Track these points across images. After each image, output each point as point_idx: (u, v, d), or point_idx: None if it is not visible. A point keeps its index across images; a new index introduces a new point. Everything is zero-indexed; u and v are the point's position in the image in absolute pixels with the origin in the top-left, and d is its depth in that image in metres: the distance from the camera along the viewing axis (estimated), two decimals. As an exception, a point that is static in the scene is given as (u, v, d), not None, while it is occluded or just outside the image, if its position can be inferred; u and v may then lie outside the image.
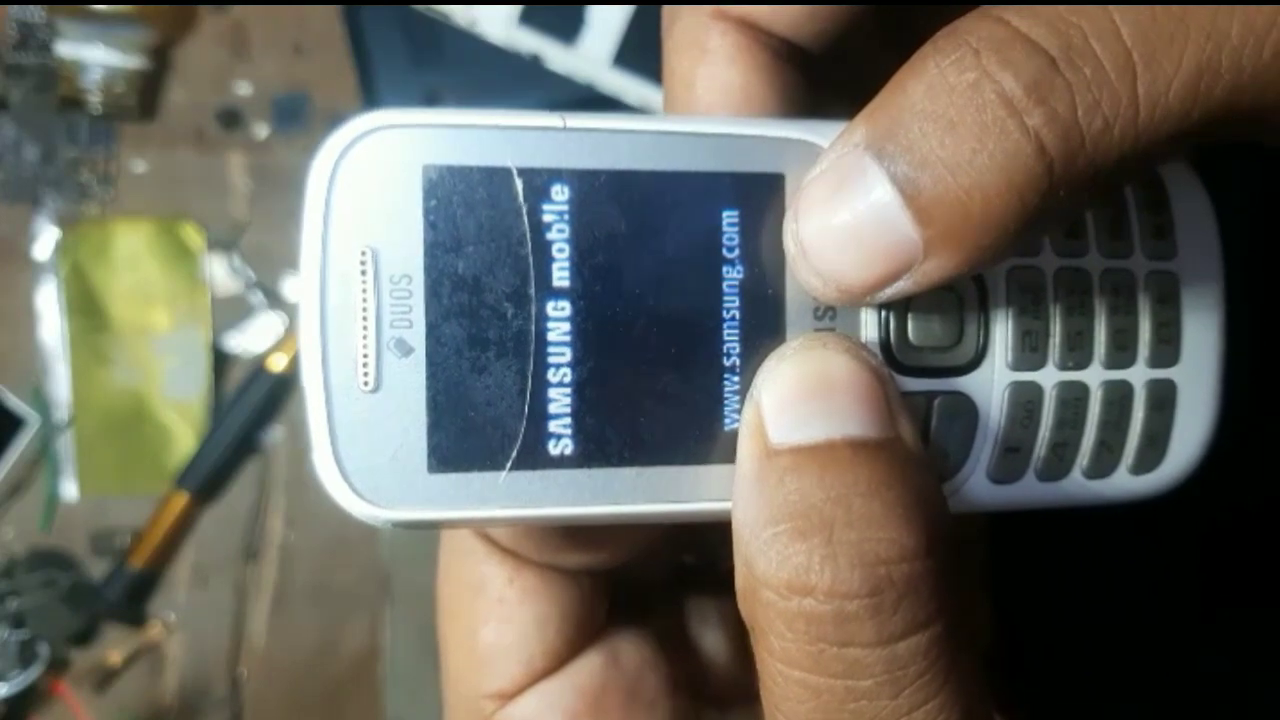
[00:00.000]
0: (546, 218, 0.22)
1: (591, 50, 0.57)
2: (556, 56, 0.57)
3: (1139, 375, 0.25)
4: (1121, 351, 0.25)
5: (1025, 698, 0.28)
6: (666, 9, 0.27)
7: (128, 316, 0.60)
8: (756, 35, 0.25)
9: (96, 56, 0.58)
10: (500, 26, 0.57)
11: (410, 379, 0.22)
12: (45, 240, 0.60)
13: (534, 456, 0.22)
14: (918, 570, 0.19)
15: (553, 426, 0.22)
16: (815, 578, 0.19)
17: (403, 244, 0.22)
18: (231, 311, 0.61)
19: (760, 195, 0.23)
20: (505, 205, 0.22)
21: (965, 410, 0.24)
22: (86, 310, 0.59)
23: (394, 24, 0.57)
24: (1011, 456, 0.24)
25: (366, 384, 0.22)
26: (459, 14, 0.57)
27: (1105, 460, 0.25)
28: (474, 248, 0.22)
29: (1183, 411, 0.26)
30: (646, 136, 0.22)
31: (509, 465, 0.22)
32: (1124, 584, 0.48)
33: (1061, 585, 0.48)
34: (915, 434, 0.22)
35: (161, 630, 0.60)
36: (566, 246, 0.22)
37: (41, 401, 0.59)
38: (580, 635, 0.28)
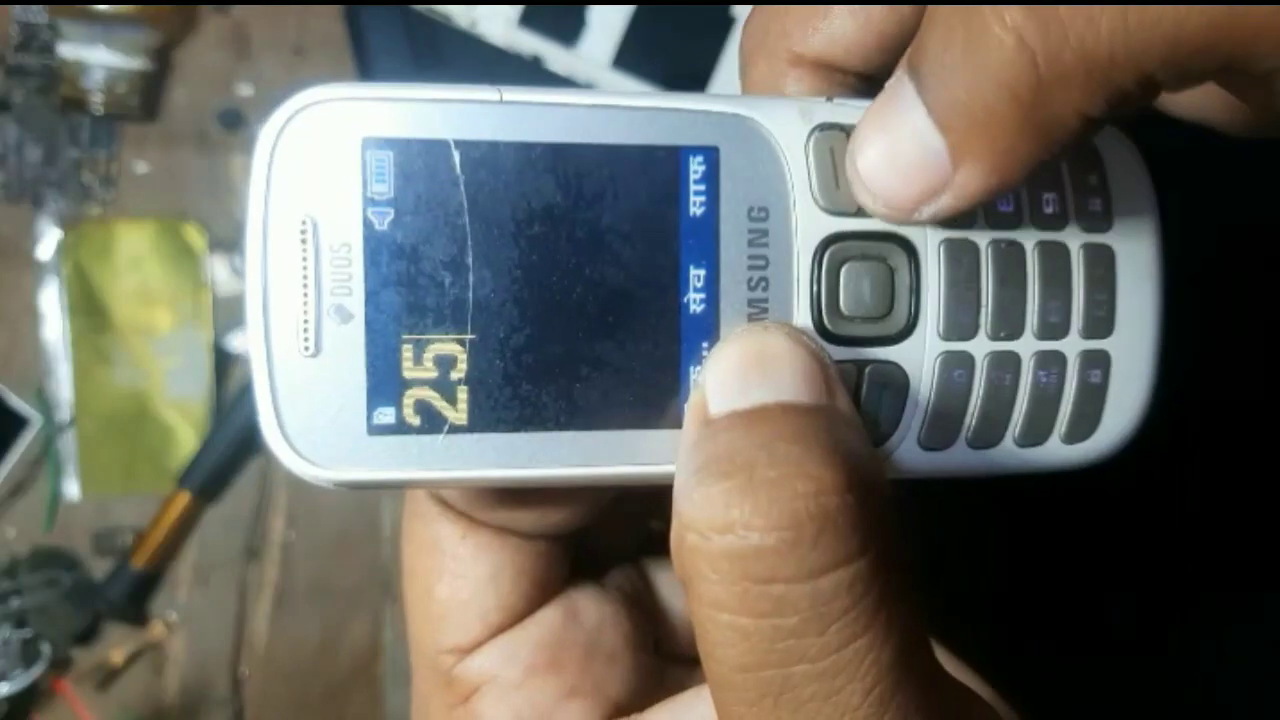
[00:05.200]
0: (484, 189, 0.23)
1: (592, 52, 0.57)
2: (557, 58, 0.57)
3: (1073, 346, 0.26)
4: (1055, 323, 0.26)
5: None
6: (744, 51, 0.28)
7: (130, 317, 0.60)
8: (831, 75, 0.27)
9: (98, 57, 0.59)
10: (501, 28, 0.57)
11: (350, 344, 0.23)
12: (47, 241, 0.60)
13: (471, 420, 0.23)
14: (835, 504, 0.20)
15: (489, 391, 0.23)
16: (736, 513, 0.20)
17: (342, 214, 0.23)
18: (233, 312, 0.61)
19: (696, 167, 0.24)
20: (443, 177, 0.23)
21: (896, 379, 0.25)
22: (88, 310, 0.60)
23: (395, 25, 0.58)
24: (943, 424, 0.25)
25: (307, 349, 0.23)
26: (460, 15, 0.57)
27: (1038, 429, 0.26)
28: (412, 218, 0.23)
29: (1117, 382, 0.26)
30: (582, 110, 0.24)
31: (446, 428, 0.23)
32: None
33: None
34: (851, 406, 0.23)
35: (163, 629, 0.60)
36: (503, 216, 0.23)
37: (44, 401, 0.59)
38: (537, 592, 0.29)
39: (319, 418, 0.23)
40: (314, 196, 0.23)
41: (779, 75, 0.27)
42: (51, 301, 0.61)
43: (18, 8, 0.59)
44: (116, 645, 0.61)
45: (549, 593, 0.29)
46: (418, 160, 0.23)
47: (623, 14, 0.58)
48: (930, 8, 0.21)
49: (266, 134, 0.23)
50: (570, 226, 0.23)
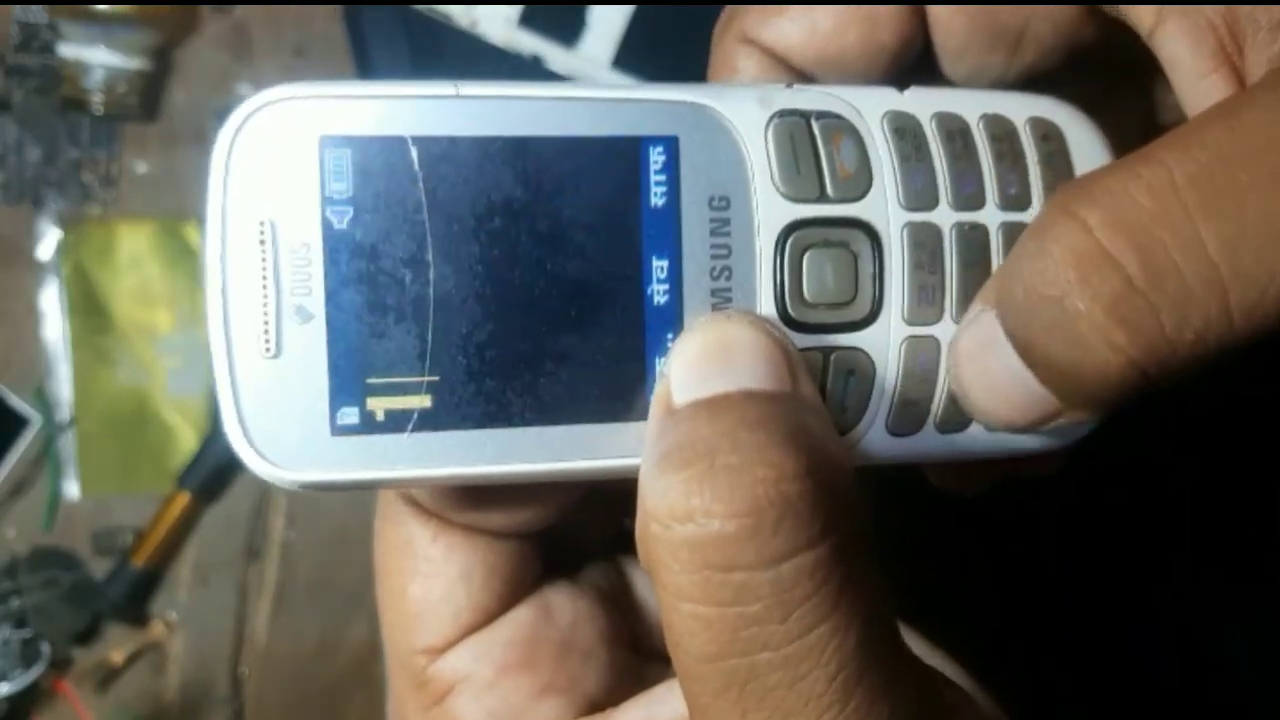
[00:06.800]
0: (443, 184, 0.23)
1: (592, 51, 0.58)
2: (557, 58, 0.58)
3: None
4: None
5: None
6: (715, 32, 0.29)
7: (130, 317, 0.60)
8: (776, 61, 0.28)
9: (98, 58, 0.59)
10: (501, 28, 0.58)
11: (311, 345, 0.23)
12: (48, 241, 0.61)
13: (435, 418, 0.23)
14: (796, 490, 0.20)
15: (454, 388, 0.23)
16: (696, 501, 0.20)
17: (301, 214, 0.23)
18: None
19: (656, 158, 0.24)
20: (402, 173, 0.23)
21: (861, 365, 0.25)
22: (89, 310, 0.60)
23: (395, 26, 0.58)
24: (910, 409, 0.25)
25: (269, 350, 0.23)
26: (460, 15, 0.57)
27: None
28: (371, 216, 0.23)
29: None
30: (540, 103, 0.24)
31: (410, 427, 0.23)
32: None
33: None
34: (815, 392, 0.23)
35: (163, 629, 0.60)
36: (463, 212, 0.23)
37: (44, 401, 0.59)
38: (510, 591, 0.29)
39: (282, 419, 0.23)
40: (272, 196, 0.23)
41: (734, 52, 0.28)
42: (52, 301, 0.61)
43: (18, 8, 0.60)
44: (116, 645, 0.61)
45: (522, 591, 0.29)
46: (376, 157, 0.23)
47: (623, 14, 0.58)
48: (1010, 274, 0.22)
49: (223, 135, 0.23)
50: (531, 220, 0.23)
